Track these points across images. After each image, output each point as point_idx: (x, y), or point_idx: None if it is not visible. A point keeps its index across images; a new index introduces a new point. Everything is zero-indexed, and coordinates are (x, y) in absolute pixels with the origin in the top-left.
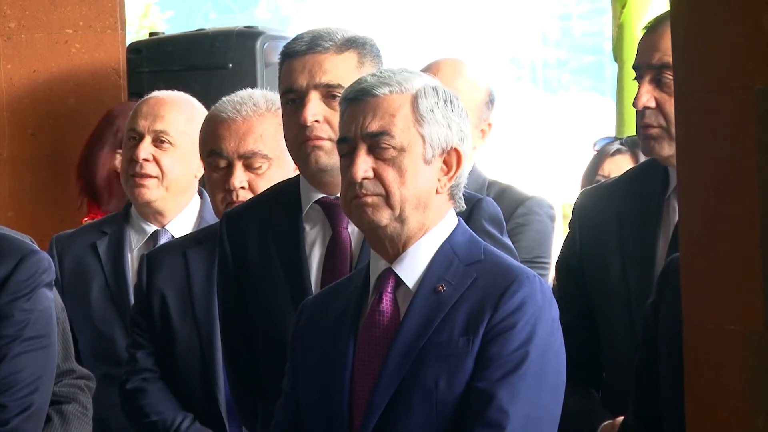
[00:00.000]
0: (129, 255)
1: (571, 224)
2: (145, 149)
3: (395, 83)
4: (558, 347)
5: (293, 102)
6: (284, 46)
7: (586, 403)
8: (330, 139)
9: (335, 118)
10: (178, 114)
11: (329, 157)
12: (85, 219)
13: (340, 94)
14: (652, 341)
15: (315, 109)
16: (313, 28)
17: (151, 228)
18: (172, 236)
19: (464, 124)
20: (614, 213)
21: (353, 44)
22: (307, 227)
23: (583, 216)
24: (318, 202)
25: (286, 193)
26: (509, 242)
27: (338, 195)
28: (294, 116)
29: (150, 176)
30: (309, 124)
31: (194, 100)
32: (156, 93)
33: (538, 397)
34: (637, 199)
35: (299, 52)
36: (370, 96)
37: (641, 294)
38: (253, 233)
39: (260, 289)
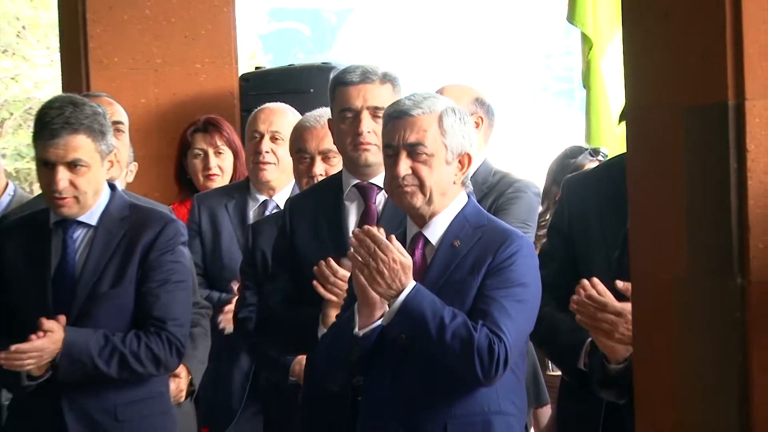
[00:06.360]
0: (250, 214)
1: (560, 199)
2: (266, 144)
3: (426, 106)
4: (537, 283)
5: (349, 117)
6: (338, 75)
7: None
8: (376, 145)
9: (378, 129)
10: (285, 118)
11: (374, 157)
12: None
13: (381, 114)
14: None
15: (368, 124)
16: (358, 63)
17: (262, 197)
18: (277, 205)
19: (472, 134)
20: (595, 191)
21: (389, 78)
22: (347, 203)
23: (571, 192)
24: (355, 185)
25: (331, 181)
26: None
27: (370, 181)
28: (351, 127)
29: (269, 163)
30: (364, 133)
31: (292, 109)
32: (268, 104)
33: (527, 314)
34: (612, 182)
35: (354, 81)
36: (408, 115)
37: (615, 246)
38: (308, 211)
39: (310, 250)
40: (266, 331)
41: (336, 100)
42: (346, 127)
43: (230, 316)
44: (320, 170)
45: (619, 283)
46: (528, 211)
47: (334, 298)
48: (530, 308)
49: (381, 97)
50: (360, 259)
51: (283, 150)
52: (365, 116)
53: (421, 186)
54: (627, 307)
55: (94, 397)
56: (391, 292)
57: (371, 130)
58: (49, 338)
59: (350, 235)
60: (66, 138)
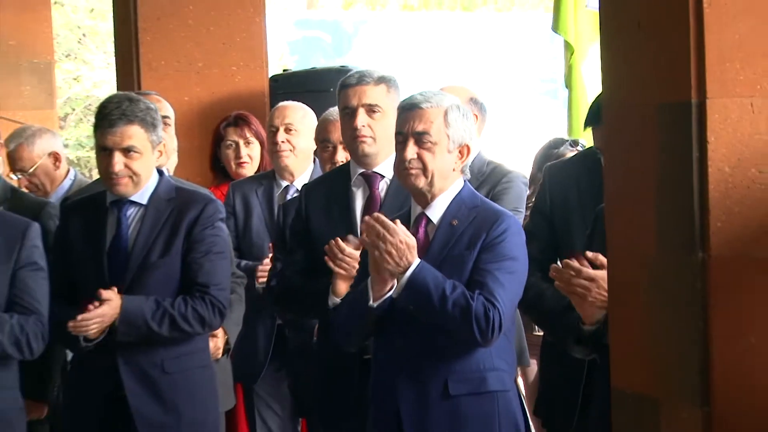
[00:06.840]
0: (276, 198)
1: (542, 184)
2: (282, 135)
3: (434, 101)
4: (525, 256)
5: (348, 114)
6: (342, 80)
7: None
8: (371, 137)
9: (373, 124)
10: (296, 113)
11: (370, 148)
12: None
13: (375, 110)
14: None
15: (362, 119)
16: (360, 69)
17: (284, 183)
18: (297, 189)
19: (473, 128)
20: (575, 177)
21: (383, 79)
22: (354, 189)
23: (552, 178)
24: (361, 174)
25: (341, 170)
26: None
27: (374, 170)
28: (349, 123)
29: (285, 150)
30: (359, 128)
31: (303, 105)
32: (282, 102)
33: (517, 284)
34: (589, 170)
35: (352, 84)
36: (418, 108)
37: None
38: (321, 196)
39: (323, 229)
40: (285, 299)
41: (340, 100)
42: (346, 123)
43: (265, 269)
44: (342, 158)
45: (589, 253)
46: (518, 198)
47: (342, 271)
48: (519, 279)
49: (375, 96)
50: (372, 241)
51: (297, 139)
52: (360, 113)
53: (424, 169)
54: (599, 274)
55: (144, 352)
56: (399, 269)
57: (365, 124)
58: (108, 305)
59: (358, 217)
60: (122, 127)
